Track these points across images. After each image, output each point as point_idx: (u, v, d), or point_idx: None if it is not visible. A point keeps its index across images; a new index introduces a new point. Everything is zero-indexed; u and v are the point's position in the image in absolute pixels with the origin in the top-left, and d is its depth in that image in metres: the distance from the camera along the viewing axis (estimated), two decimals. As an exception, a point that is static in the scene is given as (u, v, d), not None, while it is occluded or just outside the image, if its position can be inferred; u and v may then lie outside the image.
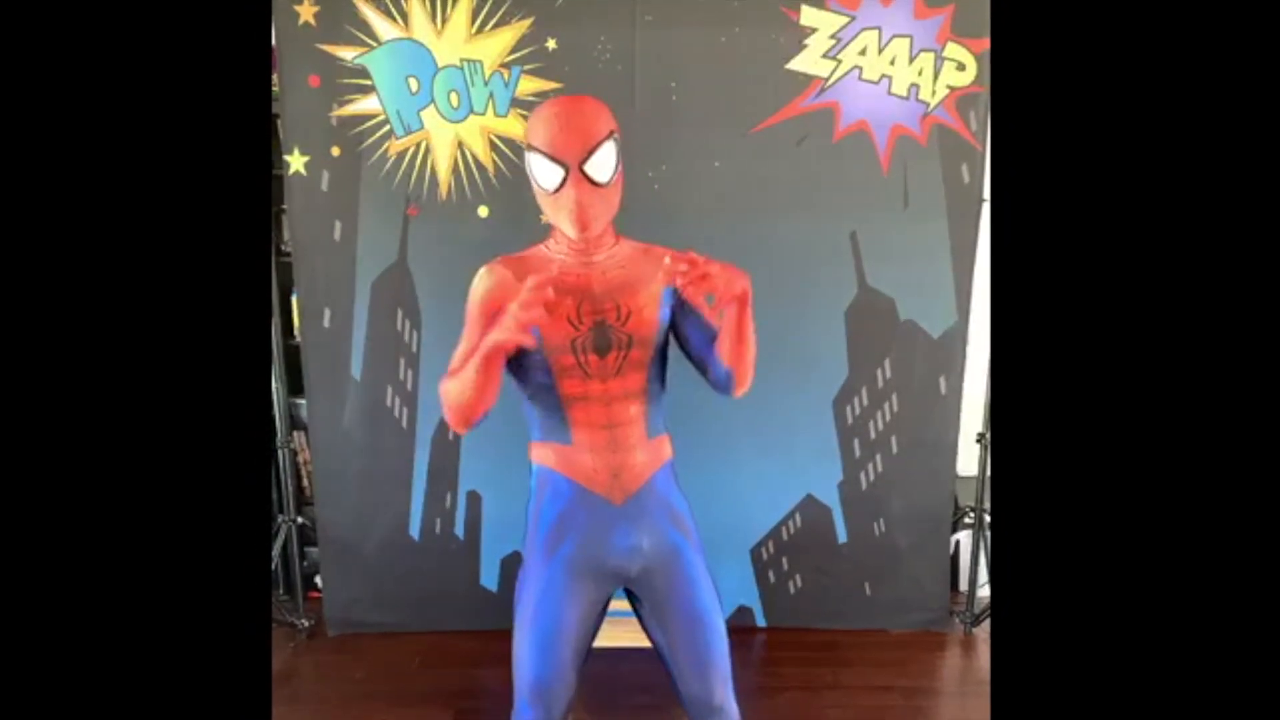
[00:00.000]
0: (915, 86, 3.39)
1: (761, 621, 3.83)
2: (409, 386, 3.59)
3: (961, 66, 3.37)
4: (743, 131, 3.41)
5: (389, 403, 3.61)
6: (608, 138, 1.99)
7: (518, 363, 2.11)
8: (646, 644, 2.22)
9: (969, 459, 3.87)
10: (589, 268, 2.09)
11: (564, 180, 1.97)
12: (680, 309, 2.16)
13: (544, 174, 1.99)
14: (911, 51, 3.36)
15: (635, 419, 2.12)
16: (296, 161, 3.38)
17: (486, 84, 3.34)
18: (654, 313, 2.10)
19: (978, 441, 3.80)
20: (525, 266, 2.08)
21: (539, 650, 2.07)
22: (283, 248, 3.76)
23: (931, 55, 3.36)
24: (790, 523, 3.76)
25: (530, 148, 2.00)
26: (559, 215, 2.02)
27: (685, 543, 2.16)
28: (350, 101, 3.34)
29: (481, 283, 2.09)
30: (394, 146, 3.38)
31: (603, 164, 1.98)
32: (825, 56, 3.36)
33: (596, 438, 2.09)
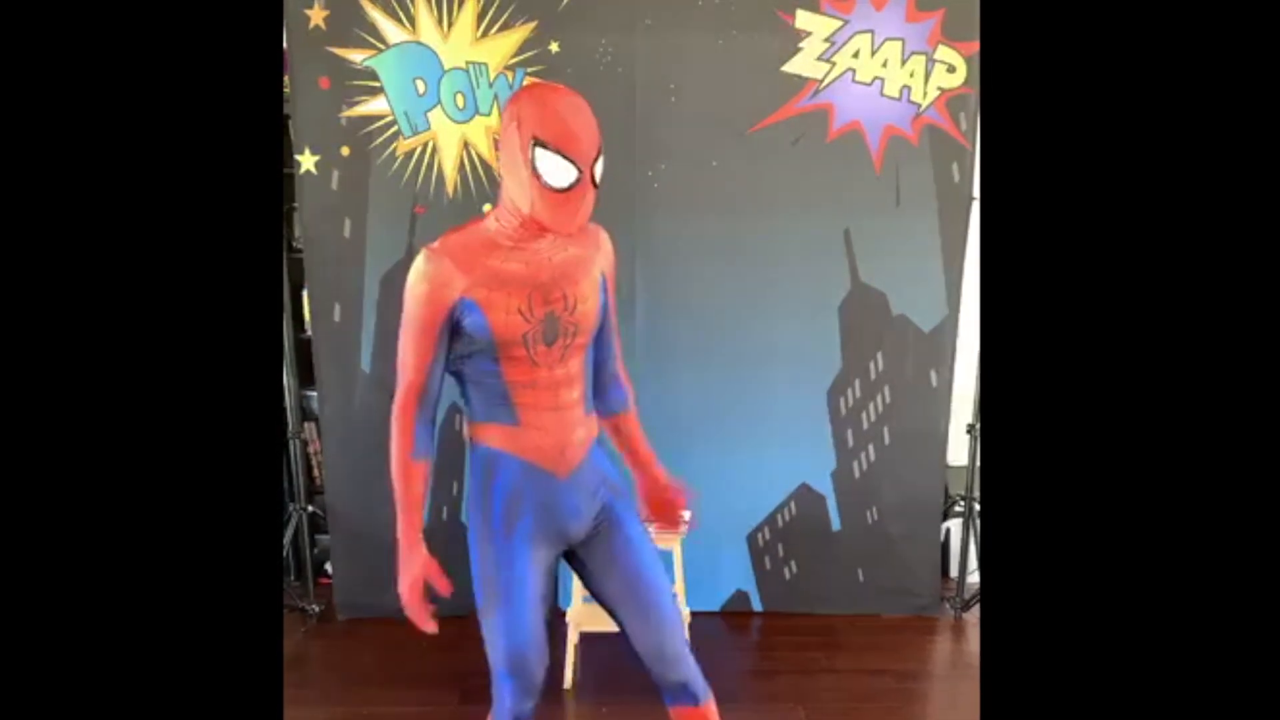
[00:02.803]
0: (907, 88, 3.38)
1: (758, 606, 3.82)
2: (416, 379, 3.58)
3: (952, 69, 3.37)
4: (740, 132, 3.40)
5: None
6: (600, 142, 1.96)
7: (461, 350, 2.05)
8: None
9: (959, 449, 3.87)
10: (536, 254, 2.01)
11: (577, 181, 1.89)
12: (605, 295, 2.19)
13: (557, 173, 1.88)
14: (903, 54, 3.35)
15: (578, 400, 2.13)
16: (307, 161, 3.37)
17: (491, 86, 3.33)
18: (596, 301, 2.11)
19: (968, 432, 3.80)
20: (468, 252, 1.99)
21: (513, 623, 2.09)
22: (294, 245, 3.76)
23: (923, 58, 3.36)
24: (785, 510, 3.76)
25: (539, 143, 1.88)
26: (555, 211, 1.92)
27: (624, 506, 2.21)
28: (359, 103, 3.33)
29: (421, 282, 1.97)
30: (402, 146, 3.38)
31: (600, 166, 1.95)
32: (820, 59, 3.36)
33: (544, 419, 2.08)
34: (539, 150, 1.88)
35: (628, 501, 2.23)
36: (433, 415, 2.07)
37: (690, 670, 2.18)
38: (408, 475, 2.04)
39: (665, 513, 2.34)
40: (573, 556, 2.22)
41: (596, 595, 2.22)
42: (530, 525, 2.09)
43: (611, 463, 2.24)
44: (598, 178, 1.95)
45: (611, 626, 2.21)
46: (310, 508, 3.88)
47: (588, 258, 2.10)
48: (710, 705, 2.21)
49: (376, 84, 3.32)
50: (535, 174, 1.89)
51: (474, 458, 2.15)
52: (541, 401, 2.07)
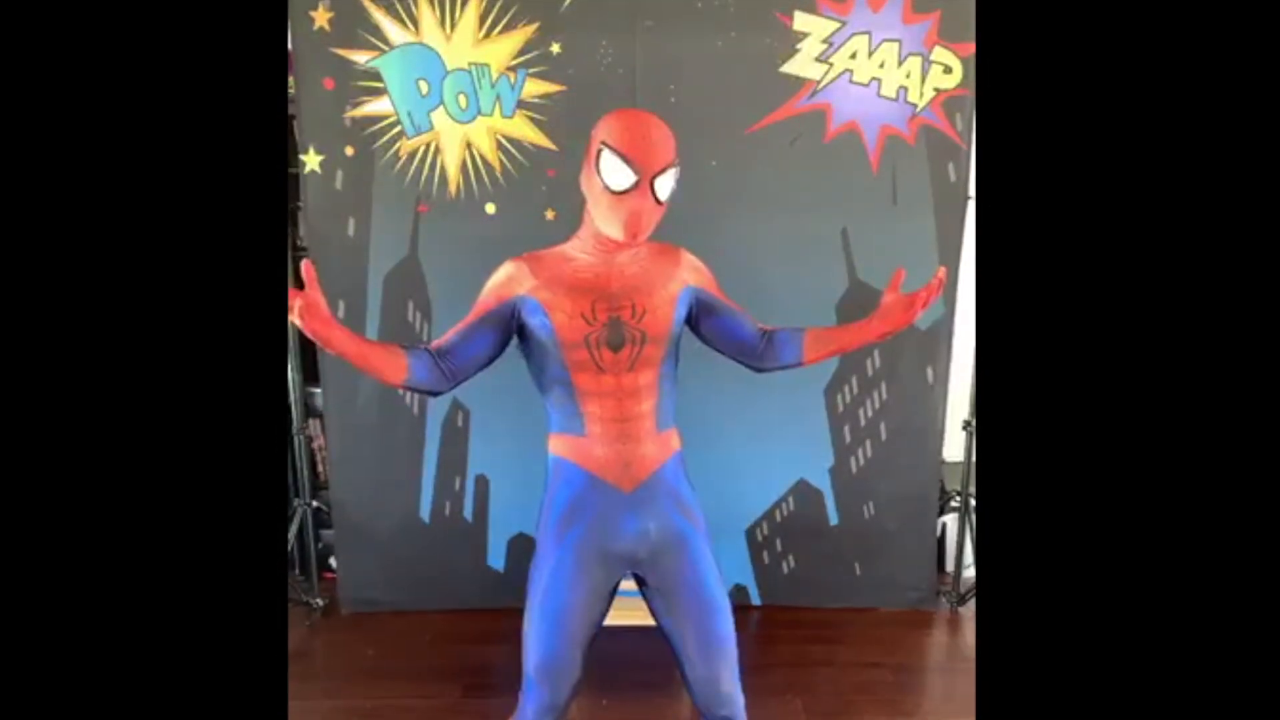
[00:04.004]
0: (904, 89, 3.38)
1: (756, 600, 3.84)
2: (419, 376, 3.59)
3: (948, 69, 3.37)
4: (738, 132, 3.40)
5: (400, 391, 3.60)
6: (674, 163, 1.99)
7: (535, 357, 2.13)
8: (648, 623, 2.21)
9: (955, 445, 3.88)
10: (609, 267, 2.08)
11: (633, 186, 1.94)
12: (704, 310, 2.19)
13: (616, 174, 1.94)
14: (900, 55, 3.35)
15: (646, 414, 2.11)
16: (312, 160, 3.37)
17: (493, 86, 3.33)
18: (669, 312, 2.10)
19: (963, 429, 3.80)
20: (542, 263, 2.10)
21: (546, 631, 2.05)
22: (298, 243, 3.76)
23: (919, 59, 3.36)
24: (784, 505, 3.76)
25: (607, 146, 1.95)
26: (612, 216, 1.98)
27: (692, 529, 2.14)
28: (363, 103, 3.33)
29: (500, 272, 2.11)
30: (405, 146, 3.38)
31: (667, 184, 1.98)
32: (817, 60, 3.35)
33: (608, 430, 2.08)
34: (603, 152, 1.96)
35: (703, 528, 2.18)
36: (437, 368, 2.04)
37: (738, 708, 2.14)
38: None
39: (901, 309, 2.14)
40: (639, 577, 2.18)
41: (656, 617, 2.17)
42: (581, 536, 2.07)
43: (690, 486, 2.20)
44: (661, 194, 1.98)
45: (611, 619, 2.20)
46: (315, 503, 3.89)
47: (665, 273, 2.14)
48: None
49: (380, 84, 3.32)
50: (599, 175, 1.97)
51: (548, 466, 2.18)
52: (608, 411, 2.08)
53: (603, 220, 2.01)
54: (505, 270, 2.11)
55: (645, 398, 2.10)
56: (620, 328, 2.05)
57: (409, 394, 3.60)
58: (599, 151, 1.97)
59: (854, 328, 2.20)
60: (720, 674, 2.11)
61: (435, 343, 2.08)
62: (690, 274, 2.18)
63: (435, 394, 2.11)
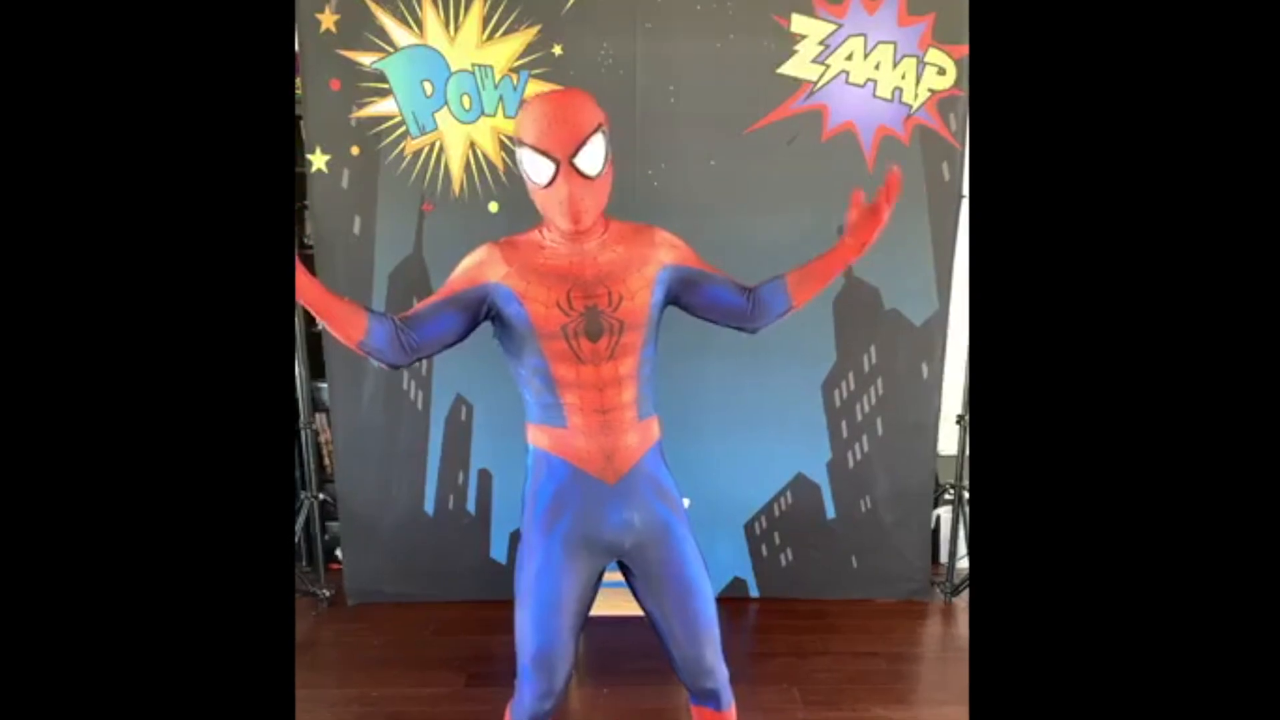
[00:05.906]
0: (899, 89, 3.38)
1: (755, 592, 3.84)
2: (424, 371, 3.59)
3: (942, 71, 3.37)
4: (737, 132, 3.41)
5: (405, 386, 3.61)
6: (596, 130, 1.92)
7: (512, 346, 2.09)
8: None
9: (949, 439, 3.88)
10: (581, 254, 2.03)
11: (554, 175, 1.90)
12: (687, 285, 2.13)
13: (535, 169, 1.92)
14: (895, 57, 3.35)
15: (628, 403, 2.08)
16: (318, 160, 3.38)
17: (496, 87, 3.33)
18: (646, 297, 2.06)
19: (957, 423, 3.81)
20: (516, 249, 2.05)
21: (539, 621, 2.06)
22: (305, 241, 3.76)
23: (914, 60, 3.36)
24: (782, 499, 3.77)
25: (520, 143, 1.93)
26: (551, 208, 1.96)
27: (674, 517, 2.13)
28: (369, 104, 3.34)
29: (474, 255, 2.06)
30: (410, 146, 3.38)
31: (592, 157, 1.91)
32: (814, 61, 3.35)
33: (590, 422, 2.05)
34: (520, 151, 1.94)
35: (683, 514, 2.17)
36: (398, 340, 1.98)
37: (722, 680, 2.16)
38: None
39: (867, 219, 2.03)
40: (623, 565, 2.18)
41: (641, 602, 2.18)
42: (569, 527, 2.06)
43: (669, 474, 2.19)
44: (589, 169, 1.92)
45: (610, 612, 2.21)
46: (321, 496, 3.90)
47: (639, 256, 2.08)
48: (732, 711, 2.21)
49: (385, 85, 3.32)
50: (525, 175, 1.95)
51: (529, 457, 2.15)
52: (588, 402, 2.04)
53: (546, 213, 1.99)
54: (478, 254, 2.06)
55: (626, 387, 2.07)
56: (598, 317, 2.01)
57: (413, 389, 3.61)
58: (518, 150, 1.94)
59: (830, 255, 2.12)
60: (704, 651, 2.12)
61: (404, 313, 2.02)
62: (666, 252, 2.12)
63: (392, 366, 2.03)
